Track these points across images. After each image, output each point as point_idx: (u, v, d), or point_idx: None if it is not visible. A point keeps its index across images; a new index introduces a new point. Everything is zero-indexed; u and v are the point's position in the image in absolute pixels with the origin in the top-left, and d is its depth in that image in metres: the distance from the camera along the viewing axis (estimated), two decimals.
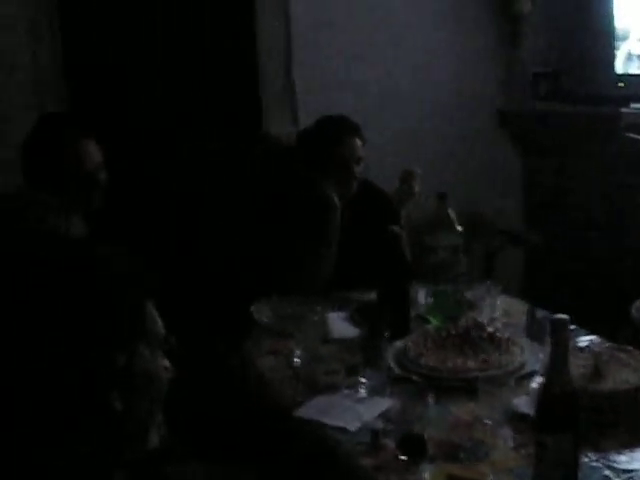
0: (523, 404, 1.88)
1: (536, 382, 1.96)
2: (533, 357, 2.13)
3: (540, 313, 2.32)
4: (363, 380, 2.10)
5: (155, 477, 1.58)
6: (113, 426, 1.11)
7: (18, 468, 1.10)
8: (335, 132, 2.90)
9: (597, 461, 1.72)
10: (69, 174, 2.51)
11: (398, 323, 2.31)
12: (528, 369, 2.09)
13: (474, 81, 4.07)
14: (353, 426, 1.90)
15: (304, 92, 3.73)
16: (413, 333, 2.31)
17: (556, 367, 1.54)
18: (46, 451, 1.10)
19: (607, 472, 1.70)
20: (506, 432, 1.81)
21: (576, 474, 1.57)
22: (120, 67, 3.60)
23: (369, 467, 1.74)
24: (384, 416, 1.92)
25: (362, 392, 2.06)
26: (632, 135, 3.57)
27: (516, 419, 1.85)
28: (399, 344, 2.24)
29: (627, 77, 3.79)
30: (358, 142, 2.90)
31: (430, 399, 1.81)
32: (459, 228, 2.54)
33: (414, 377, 2.00)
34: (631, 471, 1.69)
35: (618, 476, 1.69)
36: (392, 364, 2.15)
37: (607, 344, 2.19)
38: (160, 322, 1.18)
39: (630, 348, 2.06)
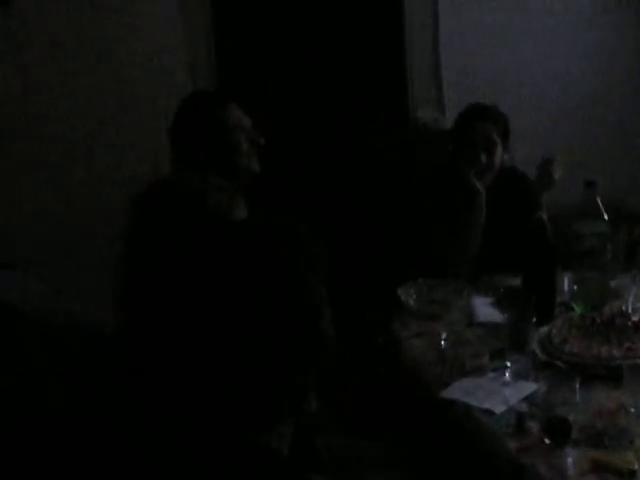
0: None
1: None
2: None
3: None
4: (508, 364, 2.13)
5: (308, 448, 1.73)
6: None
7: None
8: (465, 116, 2.93)
9: None
10: (221, 137, 2.41)
11: (544, 309, 2.33)
12: None
13: (623, 72, 4.04)
14: (499, 409, 1.92)
15: (450, 79, 3.79)
16: (557, 319, 2.33)
17: None
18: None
19: None
20: None
21: None
22: (275, 66, 3.73)
23: (514, 449, 1.78)
24: (529, 400, 1.94)
25: (507, 376, 2.09)
26: None
27: None
28: (543, 330, 2.26)
29: None
30: (490, 126, 2.88)
31: (576, 384, 1.84)
32: (606, 216, 2.54)
33: (558, 363, 2.04)
34: None
35: None
36: (536, 349, 2.17)
37: None
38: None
39: None
